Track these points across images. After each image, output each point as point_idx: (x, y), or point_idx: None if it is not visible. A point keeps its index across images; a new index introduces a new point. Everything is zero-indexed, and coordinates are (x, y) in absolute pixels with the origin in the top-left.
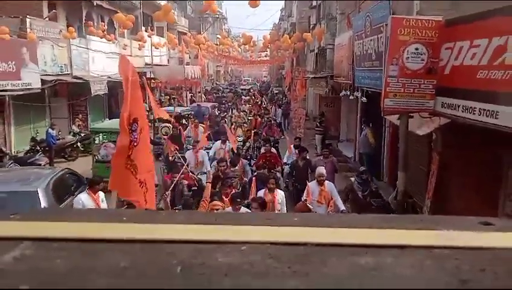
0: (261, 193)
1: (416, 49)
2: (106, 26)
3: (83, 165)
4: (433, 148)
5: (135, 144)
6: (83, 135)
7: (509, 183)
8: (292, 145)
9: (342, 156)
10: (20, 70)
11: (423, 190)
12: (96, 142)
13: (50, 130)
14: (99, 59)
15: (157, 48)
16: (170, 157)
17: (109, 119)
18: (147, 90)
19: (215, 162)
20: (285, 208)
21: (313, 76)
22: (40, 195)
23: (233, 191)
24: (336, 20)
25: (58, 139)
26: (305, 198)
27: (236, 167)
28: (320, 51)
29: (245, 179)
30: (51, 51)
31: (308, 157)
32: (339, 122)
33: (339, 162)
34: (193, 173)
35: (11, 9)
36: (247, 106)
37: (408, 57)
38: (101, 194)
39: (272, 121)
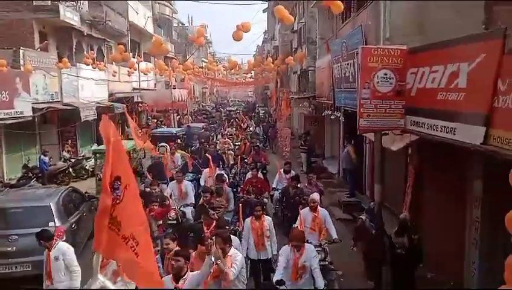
0: (247, 221)
1: (385, 74)
2: (96, 54)
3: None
4: (409, 162)
5: (118, 201)
6: (73, 160)
7: (474, 190)
8: (282, 170)
9: (327, 172)
10: (13, 99)
11: (401, 201)
12: (91, 164)
13: (43, 157)
14: (88, 86)
15: (146, 74)
16: (147, 189)
17: (97, 144)
18: (129, 121)
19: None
20: (274, 234)
21: (296, 96)
22: (53, 209)
23: (214, 223)
24: (315, 44)
25: (50, 166)
26: (296, 225)
27: (221, 197)
28: (302, 72)
29: (229, 206)
30: (42, 80)
31: (299, 185)
32: (323, 140)
33: (324, 179)
34: (173, 206)
35: (3, 40)
36: (232, 129)
37: (378, 81)
38: None
39: (260, 145)
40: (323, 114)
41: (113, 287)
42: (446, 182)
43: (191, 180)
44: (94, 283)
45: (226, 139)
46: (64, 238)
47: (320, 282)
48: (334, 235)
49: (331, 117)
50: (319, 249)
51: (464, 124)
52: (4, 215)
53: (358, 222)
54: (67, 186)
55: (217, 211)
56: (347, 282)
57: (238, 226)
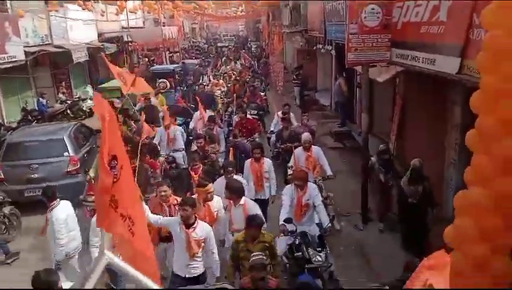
0: (247, 163)
1: (373, 9)
2: None
3: None
4: (397, 93)
5: (115, 179)
6: (69, 102)
7: (454, 116)
8: (280, 112)
9: (319, 104)
10: (5, 44)
11: (389, 129)
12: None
13: (41, 99)
14: (77, 27)
15: (135, 13)
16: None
17: (91, 85)
18: (111, 68)
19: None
20: (274, 176)
21: (288, 30)
22: (66, 141)
23: (202, 168)
24: None
25: (49, 108)
26: (291, 165)
27: (215, 144)
28: (294, 5)
29: (220, 148)
30: (31, 22)
31: (296, 129)
32: (315, 74)
33: (316, 110)
34: (156, 153)
35: None
36: (226, 67)
37: (366, 16)
38: None
39: (257, 85)
40: (314, 48)
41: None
42: (430, 110)
43: (180, 124)
44: (101, 259)
45: (219, 81)
46: (78, 166)
47: (325, 218)
48: (329, 172)
49: (322, 51)
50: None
51: (443, 56)
52: (25, 148)
53: (370, 162)
54: (76, 122)
55: (211, 158)
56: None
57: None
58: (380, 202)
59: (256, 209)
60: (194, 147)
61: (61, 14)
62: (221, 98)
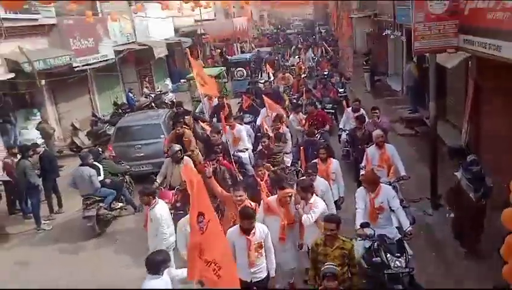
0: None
1: None
2: None
3: None
4: (469, 76)
5: (201, 232)
6: (153, 96)
7: None
8: (350, 109)
9: (390, 90)
10: (98, 44)
11: (461, 114)
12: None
13: (130, 94)
14: (156, 25)
15: (209, 6)
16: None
17: (170, 78)
18: (193, 65)
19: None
20: (341, 179)
21: (357, 15)
22: (162, 126)
23: (266, 174)
24: None
25: (136, 101)
26: (363, 165)
27: (281, 142)
28: None
29: (287, 148)
30: (117, 23)
31: (366, 127)
32: (386, 58)
33: (388, 96)
34: (228, 153)
35: None
36: (295, 58)
37: (432, 5)
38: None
39: (334, 80)
40: (383, 34)
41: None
42: (506, 95)
43: (250, 122)
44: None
45: (286, 74)
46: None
47: (405, 222)
48: (402, 172)
49: (391, 37)
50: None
51: (508, 42)
52: (131, 131)
53: (454, 180)
54: (169, 110)
55: (277, 156)
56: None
57: (301, 167)
58: (471, 229)
59: (323, 206)
60: (260, 147)
61: (142, 14)
62: (286, 94)
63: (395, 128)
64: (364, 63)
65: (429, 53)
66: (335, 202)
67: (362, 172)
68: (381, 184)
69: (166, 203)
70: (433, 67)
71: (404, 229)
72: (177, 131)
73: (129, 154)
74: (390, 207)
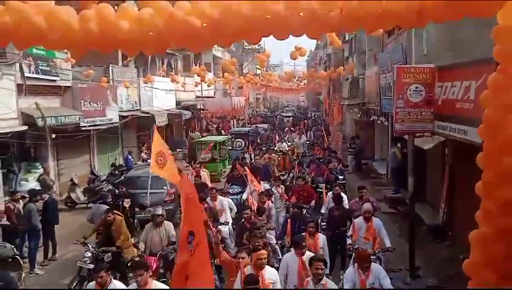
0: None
1: (416, 87)
2: (166, 68)
3: None
4: (446, 160)
5: (191, 253)
6: (149, 161)
7: None
8: (330, 193)
9: (376, 173)
10: (105, 108)
11: (439, 196)
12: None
13: (129, 156)
14: (160, 95)
15: (211, 85)
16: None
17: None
18: (154, 143)
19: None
20: (328, 253)
21: (347, 102)
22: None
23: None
24: (365, 54)
25: (135, 164)
26: (350, 234)
27: (264, 216)
28: (353, 79)
29: (271, 224)
30: (125, 91)
31: (345, 206)
32: (373, 144)
33: (373, 178)
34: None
35: (93, 58)
36: (283, 144)
37: (410, 94)
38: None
39: (332, 158)
40: (371, 119)
41: None
42: (479, 178)
43: (238, 193)
44: None
45: (272, 155)
46: (173, 197)
47: None
48: (388, 244)
49: (377, 122)
50: (373, 257)
51: (472, 127)
52: (137, 181)
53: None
54: None
55: (260, 230)
56: None
57: (288, 241)
58: None
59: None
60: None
61: (148, 85)
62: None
63: (380, 207)
64: (349, 146)
65: (408, 134)
66: None
67: (349, 241)
68: (372, 264)
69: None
70: (411, 148)
71: None
72: (107, 219)
73: (136, 200)
74: (381, 286)
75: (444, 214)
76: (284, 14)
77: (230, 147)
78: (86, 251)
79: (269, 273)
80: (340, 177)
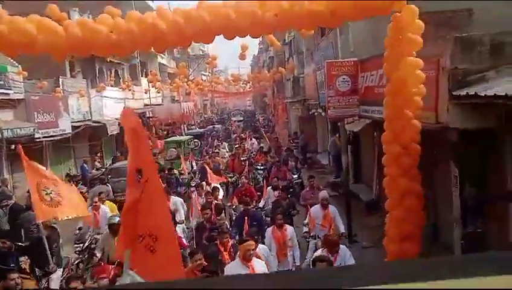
0: (269, 231)
1: (343, 78)
2: (114, 78)
3: None
4: (375, 142)
5: (140, 191)
6: (103, 169)
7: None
8: (270, 187)
9: (320, 164)
10: (58, 119)
11: (373, 174)
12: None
13: (84, 165)
14: (110, 105)
15: (160, 91)
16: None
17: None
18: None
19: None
20: (297, 244)
21: (290, 100)
22: None
23: (231, 242)
24: (304, 54)
25: (90, 173)
26: (307, 222)
27: (222, 215)
28: (294, 79)
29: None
30: (76, 101)
31: (290, 196)
32: (316, 137)
33: (317, 168)
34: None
35: (43, 71)
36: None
37: (339, 84)
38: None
39: (290, 160)
40: (311, 113)
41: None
42: None
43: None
44: (125, 278)
45: (217, 158)
46: None
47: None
48: (342, 230)
49: (315, 114)
50: None
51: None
52: (121, 170)
53: None
54: None
55: (220, 230)
56: None
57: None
58: None
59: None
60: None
61: (99, 94)
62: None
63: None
64: (291, 141)
65: (339, 119)
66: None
67: (305, 229)
68: (340, 246)
69: (104, 277)
70: (343, 131)
71: None
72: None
73: (120, 186)
74: None
75: (376, 189)
76: (233, 17)
77: (198, 145)
78: None
79: (258, 264)
80: (294, 176)
